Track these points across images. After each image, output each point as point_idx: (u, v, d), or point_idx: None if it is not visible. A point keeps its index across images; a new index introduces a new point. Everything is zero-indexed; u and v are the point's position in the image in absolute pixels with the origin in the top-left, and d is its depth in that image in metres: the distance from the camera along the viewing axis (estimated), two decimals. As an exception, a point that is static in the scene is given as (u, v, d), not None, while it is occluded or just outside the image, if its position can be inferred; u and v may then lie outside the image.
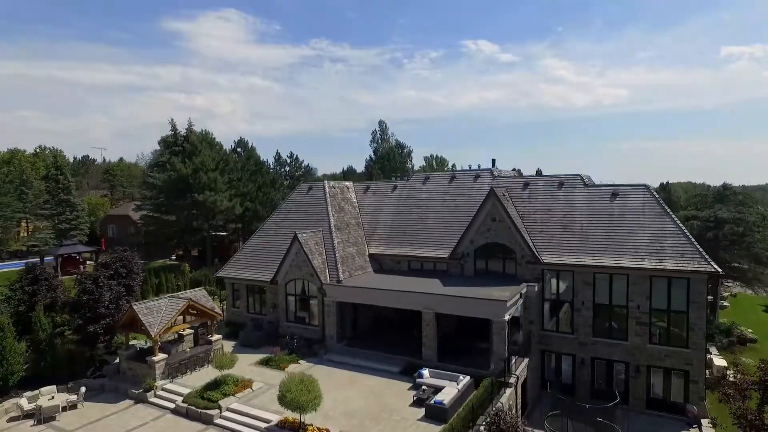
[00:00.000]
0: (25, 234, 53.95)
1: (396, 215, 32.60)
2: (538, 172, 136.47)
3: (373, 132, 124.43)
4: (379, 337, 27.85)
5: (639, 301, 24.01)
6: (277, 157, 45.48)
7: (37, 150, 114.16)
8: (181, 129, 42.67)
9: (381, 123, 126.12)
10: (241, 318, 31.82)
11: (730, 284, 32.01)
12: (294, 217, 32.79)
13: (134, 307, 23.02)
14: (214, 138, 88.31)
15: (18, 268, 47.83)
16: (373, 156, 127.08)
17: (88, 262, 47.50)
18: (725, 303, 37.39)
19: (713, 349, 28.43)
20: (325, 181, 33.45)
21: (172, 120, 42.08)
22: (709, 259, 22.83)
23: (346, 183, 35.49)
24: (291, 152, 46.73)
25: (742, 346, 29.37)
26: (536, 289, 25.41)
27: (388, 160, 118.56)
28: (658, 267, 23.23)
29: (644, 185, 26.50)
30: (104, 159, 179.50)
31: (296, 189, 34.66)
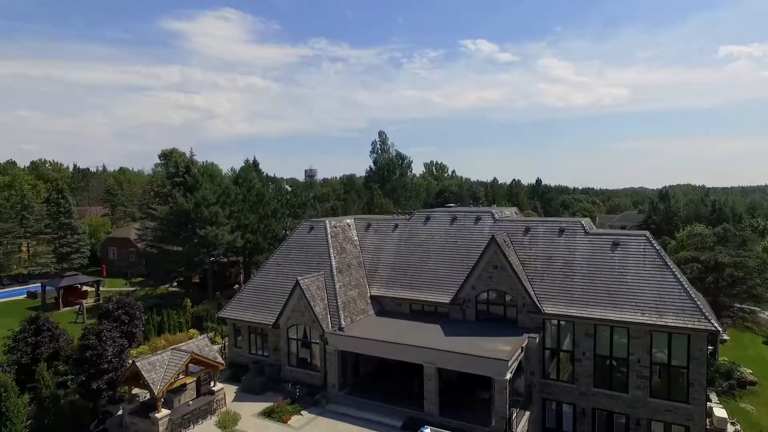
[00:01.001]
0: (27, 256, 54.02)
1: (397, 255, 32.69)
2: (538, 182, 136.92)
3: (373, 142, 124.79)
4: (381, 384, 27.94)
5: (640, 355, 24.12)
6: (278, 189, 45.45)
7: (37, 161, 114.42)
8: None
9: (381, 134, 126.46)
10: (243, 358, 31.89)
11: (729, 323, 32.16)
12: (296, 258, 32.88)
13: (137, 364, 23.11)
14: (217, 165, 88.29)
15: (21, 297, 48.20)
16: (373, 166, 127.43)
17: (89, 289, 47.55)
18: (725, 336, 37.49)
19: (713, 396, 28.53)
20: (327, 221, 33.54)
21: (176, 156, 42.25)
22: (710, 316, 22.92)
23: (348, 220, 35.58)
24: (293, 186, 46.51)
25: (742, 389, 29.47)
26: (537, 340, 25.49)
27: (388, 171, 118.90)
28: (658, 323, 23.33)
29: (644, 235, 26.60)
30: (104, 168, 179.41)
31: (298, 228, 34.75)
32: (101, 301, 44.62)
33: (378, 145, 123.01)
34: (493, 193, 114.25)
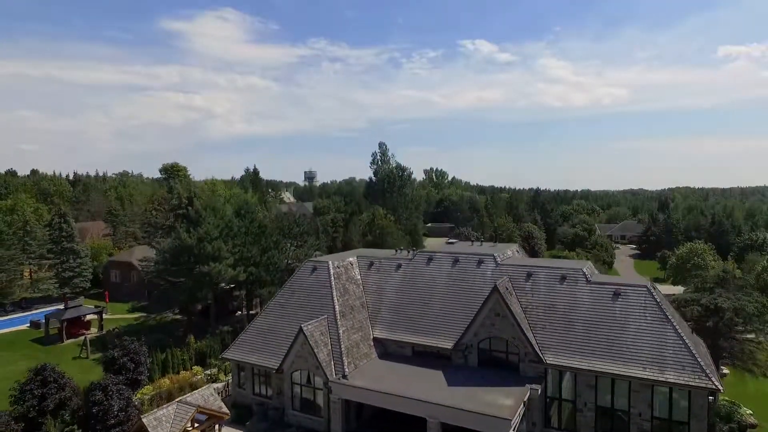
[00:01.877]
0: (29, 279, 54.19)
1: (400, 296, 32.94)
2: (537, 192, 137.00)
3: (373, 153, 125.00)
4: (385, 429, 28.18)
5: (641, 408, 24.39)
6: (280, 220, 45.71)
7: (38, 175, 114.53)
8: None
9: (381, 144, 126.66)
10: (247, 399, 32.09)
11: (728, 361, 32.43)
12: (299, 299, 33.09)
13: (143, 420, 23.32)
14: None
15: (24, 326, 48.34)
16: (373, 177, 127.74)
17: (93, 314, 47.66)
18: (725, 371, 37.76)
19: (714, 442, 28.72)
20: (329, 262, 33.73)
21: (177, 187, 42.53)
22: (711, 373, 23.18)
23: (350, 258, 35.79)
24: (295, 221, 46.78)
25: (743, 433, 29.66)
26: (539, 392, 25.73)
27: (389, 182, 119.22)
28: (659, 379, 23.60)
29: (645, 286, 26.84)
30: (105, 176, 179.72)
31: (301, 268, 34.97)
32: (105, 332, 44.85)
33: (378, 157, 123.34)
34: (493, 204, 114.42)
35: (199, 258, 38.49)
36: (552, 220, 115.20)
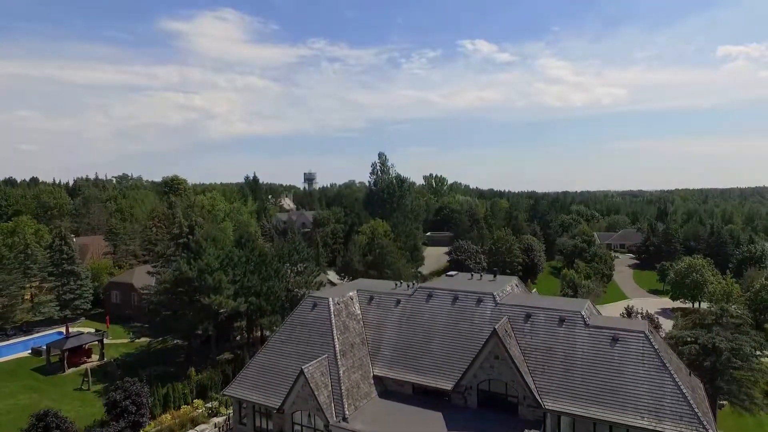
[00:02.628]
0: (30, 303, 54.35)
1: (400, 334, 33.14)
2: (536, 201, 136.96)
3: (372, 164, 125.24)
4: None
5: (639, 456, 24.58)
6: (280, 248, 45.86)
7: (38, 185, 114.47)
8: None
9: (381, 155, 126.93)
10: (248, 437, 32.27)
11: (726, 398, 32.62)
12: (300, 336, 33.26)
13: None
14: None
15: (25, 353, 48.47)
16: (373, 188, 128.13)
17: (94, 339, 47.71)
18: (722, 402, 37.99)
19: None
20: (330, 299, 33.92)
21: (180, 217, 42.75)
22: (708, 424, 23.39)
23: (350, 294, 35.97)
24: (295, 248, 46.97)
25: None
26: (538, 438, 25.94)
27: (388, 194, 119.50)
28: (657, 429, 23.80)
29: (643, 332, 27.04)
30: (105, 186, 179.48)
31: (301, 304, 35.15)
32: (106, 361, 45.03)
33: (378, 167, 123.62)
34: (492, 214, 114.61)
35: (199, 290, 38.68)
36: (551, 231, 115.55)
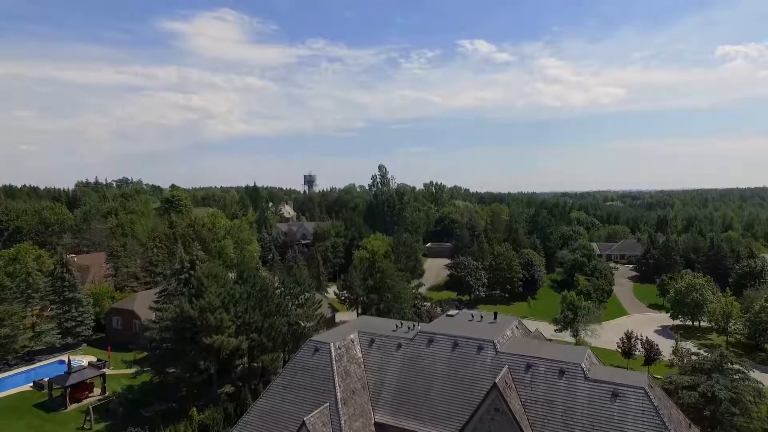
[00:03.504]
0: (32, 332, 54.48)
1: (401, 378, 33.27)
2: (536, 211, 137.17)
3: (372, 176, 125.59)
4: None
5: None
6: (282, 282, 46.04)
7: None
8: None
9: (381, 167, 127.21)
10: (250, 482, 32.41)
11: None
12: (301, 381, 33.37)
13: None
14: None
15: (27, 387, 48.63)
16: (373, 201, 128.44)
17: (96, 372, 47.84)
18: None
19: None
20: (331, 344, 34.06)
21: (181, 253, 43.10)
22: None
23: (351, 336, 36.12)
24: (296, 281, 47.17)
25: None
26: (539, 496, 26.09)
27: (388, 206, 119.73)
28: (657, 491, 23.96)
29: (642, 388, 27.18)
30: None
31: (302, 349, 35.29)
32: (108, 397, 45.19)
33: (378, 179, 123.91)
34: (493, 227, 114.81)
35: (201, 329, 38.88)
36: (551, 243, 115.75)
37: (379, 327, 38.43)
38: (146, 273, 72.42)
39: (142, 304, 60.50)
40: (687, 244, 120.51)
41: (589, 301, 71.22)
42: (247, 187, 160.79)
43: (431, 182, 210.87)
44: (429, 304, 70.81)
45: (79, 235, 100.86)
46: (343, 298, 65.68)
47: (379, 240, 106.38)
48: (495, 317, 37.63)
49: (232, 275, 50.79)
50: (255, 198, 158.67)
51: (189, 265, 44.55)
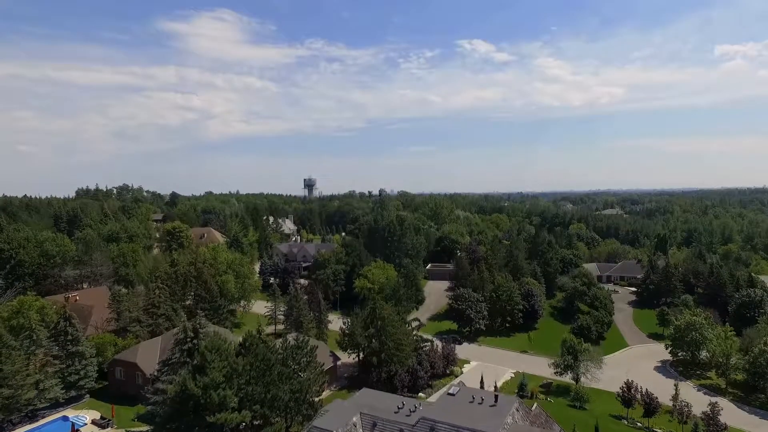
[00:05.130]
0: (35, 390, 54.68)
1: (402, 468, 33.72)
2: (537, 232, 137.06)
3: (374, 201, 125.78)
4: None
5: None
6: (285, 348, 46.31)
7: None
8: None
9: (381, 191, 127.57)
10: None
11: None
12: (304, 471, 33.85)
13: None
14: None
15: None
16: (373, 224, 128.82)
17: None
18: None
19: None
20: (335, 430, 34.48)
21: (185, 322, 43.53)
22: None
23: (354, 419, 36.63)
24: (298, 344, 47.55)
25: None
26: None
27: (389, 232, 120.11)
28: None
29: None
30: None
31: (306, 435, 35.72)
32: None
33: (378, 205, 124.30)
34: (493, 254, 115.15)
35: (205, 407, 39.17)
36: (551, 269, 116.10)
37: (381, 405, 38.87)
38: (148, 315, 72.72)
39: (145, 356, 60.91)
40: (687, 267, 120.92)
41: (589, 344, 71.54)
42: (247, 208, 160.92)
43: (431, 196, 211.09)
44: (429, 344, 71.08)
45: (81, 266, 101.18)
46: (344, 345, 66.02)
47: (379, 268, 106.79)
48: (496, 400, 37.98)
49: (235, 340, 51.13)
50: (255, 217, 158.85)
51: (192, 335, 44.90)
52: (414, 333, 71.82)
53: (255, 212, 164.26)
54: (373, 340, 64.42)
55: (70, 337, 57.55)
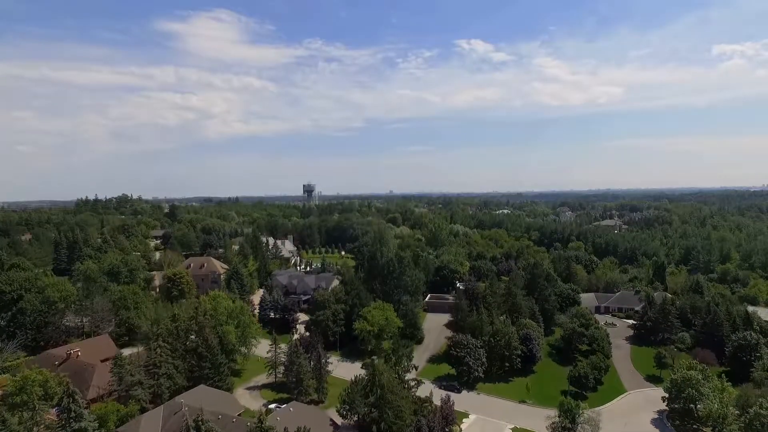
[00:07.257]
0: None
1: None
2: (536, 266, 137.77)
3: (371, 236, 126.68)
4: None
5: None
6: None
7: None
8: None
9: (380, 224, 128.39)
10: None
11: None
12: None
13: None
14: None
15: None
16: (372, 261, 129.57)
17: None
18: None
19: None
20: None
21: (187, 420, 44.26)
22: None
23: None
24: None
25: None
26: None
27: (388, 270, 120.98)
28: None
29: None
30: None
31: None
32: None
33: (378, 245, 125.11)
34: (492, 292, 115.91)
35: None
36: (549, 306, 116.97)
37: None
38: (149, 376, 73.45)
39: (147, 430, 61.53)
40: (684, 302, 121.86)
41: (586, 404, 72.35)
42: (247, 236, 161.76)
43: (430, 218, 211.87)
44: (428, 405, 71.75)
45: (82, 311, 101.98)
46: (344, 413, 66.72)
47: (379, 309, 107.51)
48: None
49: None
50: (255, 245, 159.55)
51: (194, 426, 45.57)
52: (413, 393, 72.64)
53: (255, 240, 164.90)
54: (373, 410, 65.13)
55: (73, 414, 58.20)
